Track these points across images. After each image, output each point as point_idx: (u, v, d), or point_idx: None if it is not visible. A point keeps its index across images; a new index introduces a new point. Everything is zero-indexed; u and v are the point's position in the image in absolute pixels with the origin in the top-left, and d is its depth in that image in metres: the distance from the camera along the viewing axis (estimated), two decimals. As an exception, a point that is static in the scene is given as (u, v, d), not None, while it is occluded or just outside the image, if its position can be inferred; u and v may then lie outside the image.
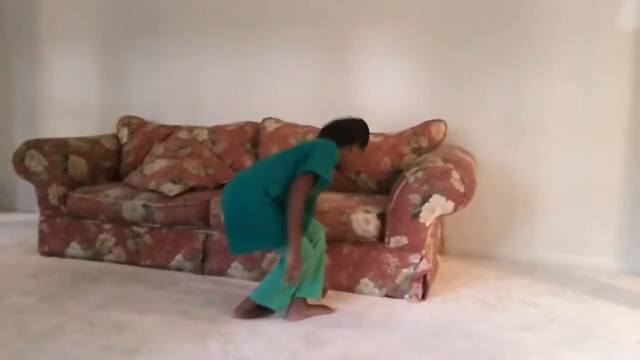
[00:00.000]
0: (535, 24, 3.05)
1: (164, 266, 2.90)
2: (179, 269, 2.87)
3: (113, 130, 3.73)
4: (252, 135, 3.38)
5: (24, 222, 3.78)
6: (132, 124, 3.65)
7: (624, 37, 2.92)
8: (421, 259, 2.47)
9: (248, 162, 3.32)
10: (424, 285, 2.50)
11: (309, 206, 2.33)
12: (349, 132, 2.36)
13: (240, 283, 2.70)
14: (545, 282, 2.79)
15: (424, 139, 3.01)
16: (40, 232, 3.14)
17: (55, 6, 4.10)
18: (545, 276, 2.89)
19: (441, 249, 3.09)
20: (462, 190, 2.34)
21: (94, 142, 3.45)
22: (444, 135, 3.06)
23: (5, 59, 4.28)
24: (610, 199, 3.02)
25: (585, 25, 2.97)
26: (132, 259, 2.96)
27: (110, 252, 3.00)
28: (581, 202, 3.07)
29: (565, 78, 3.03)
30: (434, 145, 3.01)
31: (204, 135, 3.41)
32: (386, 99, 3.32)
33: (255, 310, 2.27)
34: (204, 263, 2.83)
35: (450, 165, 2.37)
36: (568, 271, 2.97)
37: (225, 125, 3.45)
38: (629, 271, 2.98)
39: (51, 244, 3.11)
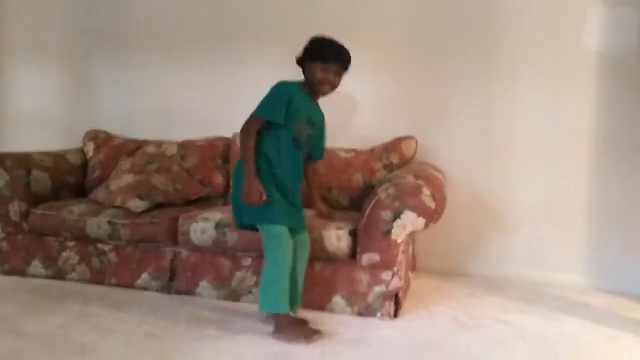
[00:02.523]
0: (503, 44, 3.09)
1: (130, 285, 2.81)
2: (145, 289, 2.78)
3: (80, 144, 3.63)
4: (222, 151, 3.33)
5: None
6: (98, 138, 3.56)
7: (587, 57, 2.97)
8: (393, 276, 2.44)
9: (218, 177, 3.26)
10: (396, 303, 2.47)
11: (293, 170, 2.32)
12: (302, 53, 2.32)
13: (209, 303, 2.62)
14: (516, 299, 2.80)
15: (395, 156, 3.01)
16: (1, 250, 3.01)
17: (20, 17, 4.00)
18: (516, 293, 2.89)
19: (413, 266, 3.08)
20: (432, 206, 2.33)
21: (58, 156, 3.35)
22: (415, 152, 3.07)
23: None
24: (577, 216, 3.05)
25: (550, 46, 3.02)
26: (97, 278, 2.87)
27: (74, 270, 2.90)
28: (549, 219, 3.09)
29: (532, 97, 3.08)
30: (405, 162, 3.01)
31: (173, 150, 3.35)
32: (358, 115, 3.32)
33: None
34: (172, 282, 2.75)
35: (421, 182, 2.37)
36: (538, 288, 2.99)
37: (196, 141, 3.39)
38: (596, 287, 3.01)
39: (12, 263, 2.99)
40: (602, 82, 2.97)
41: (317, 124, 2.42)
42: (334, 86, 2.31)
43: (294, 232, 2.27)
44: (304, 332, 2.19)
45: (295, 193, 2.34)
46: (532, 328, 2.40)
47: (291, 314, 2.26)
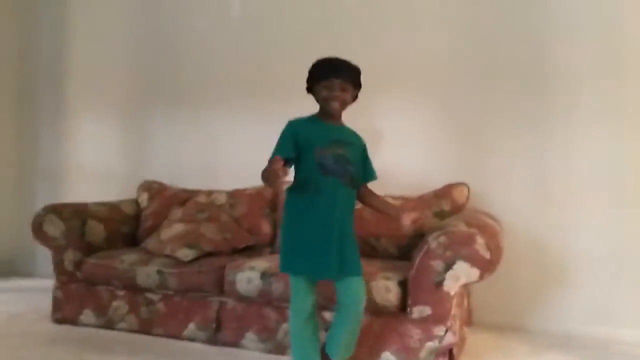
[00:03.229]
0: (559, 87, 3.01)
1: (177, 336, 2.78)
2: (191, 339, 2.75)
3: (134, 195, 3.73)
4: (270, 199, 3.33)
5: (42, 288, 3.73)
6: (152, 188, 3.65)
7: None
8: (446, 331, 2.31)
9: (266, 226, 3.25)
10: (450, 360, 2.33)
11: (327, 201, 2.09)
12: (307, 81, 2.21)
13: (254, 355, 2.56)
14: (581, 357, 2.59)
15: (446, 202, 2.91)
16: (55, 298, 3.07)
17: (83, 74, 4.24)
18: (581, 350, 2.68)
19: (468, 321, 2.92)
20: (487, 256, 2.21)
21: (113, 207, 3.44)
22: (467, 198, 2.96)
23: (32, 125, 4.40)
24: (648, 267, 2.84)
25: (609, 88, 2.91)
26: (144, 328, 2.86)
27: (123, 320, 2.91)
28: (616, 269, 2.89)
29: (591, 138, 2.95)
30: (456, 209, 2.90)
31: (222, 199, 3.38)
32: (407, 161, 3.25)
33: None
34: (217, 333, 2.71)
35: (475, 230, 2.26)
36: (605, 345, 2.76)
37: (244, 189, 3.41)
38: (673, 345, 2.76)
39: (65, 311, 3.04)
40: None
41: (350, 143, 2.21)
42: (343, 101, 2.17)
43: (340, 279, 2.11)
44: None
45: (332, 228, 2.08)
46: (602, 390, 2.20)
47: None
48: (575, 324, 2.94)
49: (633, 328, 2.84)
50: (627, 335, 2.82)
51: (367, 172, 2.32)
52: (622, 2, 2.91)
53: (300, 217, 2.11)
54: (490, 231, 2.37)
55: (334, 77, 2.12)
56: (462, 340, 2.56)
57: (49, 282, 3.35)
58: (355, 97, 2.23)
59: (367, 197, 2.32)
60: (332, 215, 2.08)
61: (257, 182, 3.38)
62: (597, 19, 2.95)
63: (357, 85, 2.21)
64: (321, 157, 2.10)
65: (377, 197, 2.35)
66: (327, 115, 2.19)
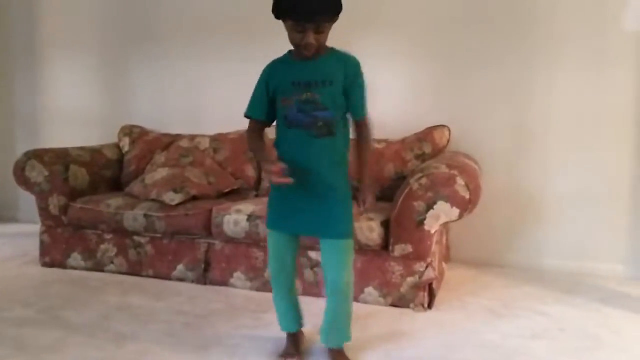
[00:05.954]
0: (539, 27, 3.02)
1: (166, 277, 2.86)
2: (181, 280, 2.83)
3: (115, 139, 3.71)
4: (254, 143, 3.34)
5: (26, 233, 3.75)
6: (133, 133, 3.63)
7: (629, 38, 2.88)
8: (427, 267, 2.42)
9: (250, 170, 3.29)
10: (430, 294, 2.45)
11: (298, 156, 1.78)
12: (273, 5, 1.77)
13: (242, 293, 2.66)
14: (555, 289, 2.74)
15: (427, 145, 2.98)
16: (42, 243, 3.11)
17: (57, 16, 4.10)
18: (554, 284, 2.84)
19: (447, 257, 3.05)
20: (467, 196, 2.30)
21: (95, 151, 3.43)
22: (448, 141, 3.03)
23: (8, 70, 4.28)
24: (618, 205, 2.97)
25: (590, 27, 2.94)
26: (134, 270, 2.93)
27: (112, 262, 2.97)
28: (589, 207, 3.02)
29: (571, 82, 3.00)
30: (438, 152, 2.97)
31: (205, 144, 3.39)
32: (389, 105, 3.28)
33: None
34: (206, 273, 2.79)
35: (455, 172, 2.34)
36: (577, 278, 2.92)
37: (227, 134, 3.42)
38: (637, 277, 2.93)
39: (52, 255, 3.08)
40: (642, 65, 2.88)
41: (326, 81, 1.76)
42: (319, 45, 1.73)
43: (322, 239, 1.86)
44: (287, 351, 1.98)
45: (307, 185, 1.78)
46: (571, 319, 2.36)
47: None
48: (549, 259, 3.09)
49: (603, 262, 3.00)
50: (598, 268, 2.99)
51: (352, 106, 1.83)
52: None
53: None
54: (470, 172, 2.45)
55: (306, 22, 1.68)
56: (441, 275, 2.69)
57: (34, 228, 3.38)
58: (335, 20, 1.75)
59: (356, 145, 1.90)
60: (304, 172, 1.76)
61: (240, 126, 3.44)
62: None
63: (337, 14, 1.73)
64: (285, 107, 1.79)
65: (363, 152, 1.91)
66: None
